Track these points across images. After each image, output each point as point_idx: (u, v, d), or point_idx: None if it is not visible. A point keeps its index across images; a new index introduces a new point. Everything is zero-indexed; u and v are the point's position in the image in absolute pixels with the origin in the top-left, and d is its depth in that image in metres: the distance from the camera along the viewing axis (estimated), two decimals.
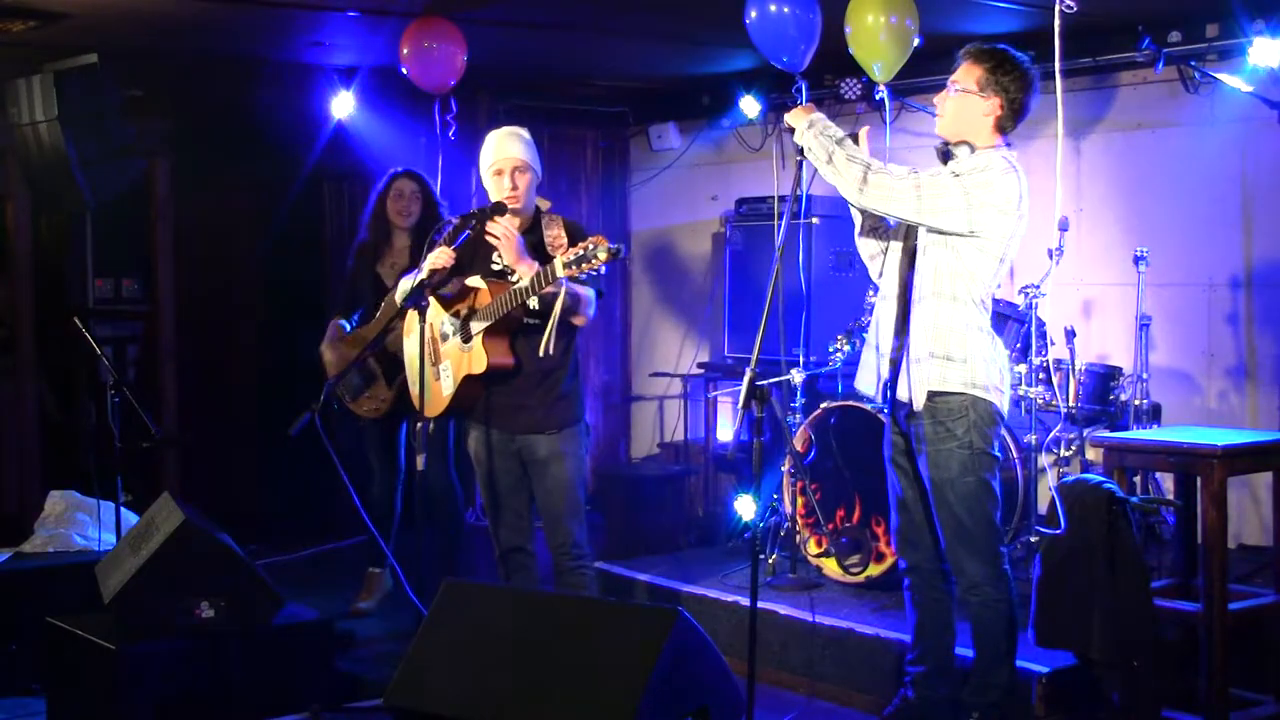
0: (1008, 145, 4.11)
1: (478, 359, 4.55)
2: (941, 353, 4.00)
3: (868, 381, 4.28)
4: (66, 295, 7.74)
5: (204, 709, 4.38)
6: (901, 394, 4.11)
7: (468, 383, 4.61)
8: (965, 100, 4.06)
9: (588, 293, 4.57)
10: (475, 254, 4.68)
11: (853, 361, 4.58)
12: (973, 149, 4.05)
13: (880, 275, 4.27)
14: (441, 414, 4.75)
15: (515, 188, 4.53)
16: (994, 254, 4.00)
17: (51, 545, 5.54)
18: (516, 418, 4.64)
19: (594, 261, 4.19)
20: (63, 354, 7.33)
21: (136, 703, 4.29)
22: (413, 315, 4.61)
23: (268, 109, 7.04)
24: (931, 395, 4.02)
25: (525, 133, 4.68)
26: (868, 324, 4.50)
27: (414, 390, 4.78)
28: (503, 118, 7.00)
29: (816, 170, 4.05)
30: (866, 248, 4.31)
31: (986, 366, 4.02)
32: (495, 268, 4.63)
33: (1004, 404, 4.09)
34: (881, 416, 4.40)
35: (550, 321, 4.41)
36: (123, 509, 5.42)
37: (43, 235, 7.38)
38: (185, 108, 7.23)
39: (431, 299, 4.65)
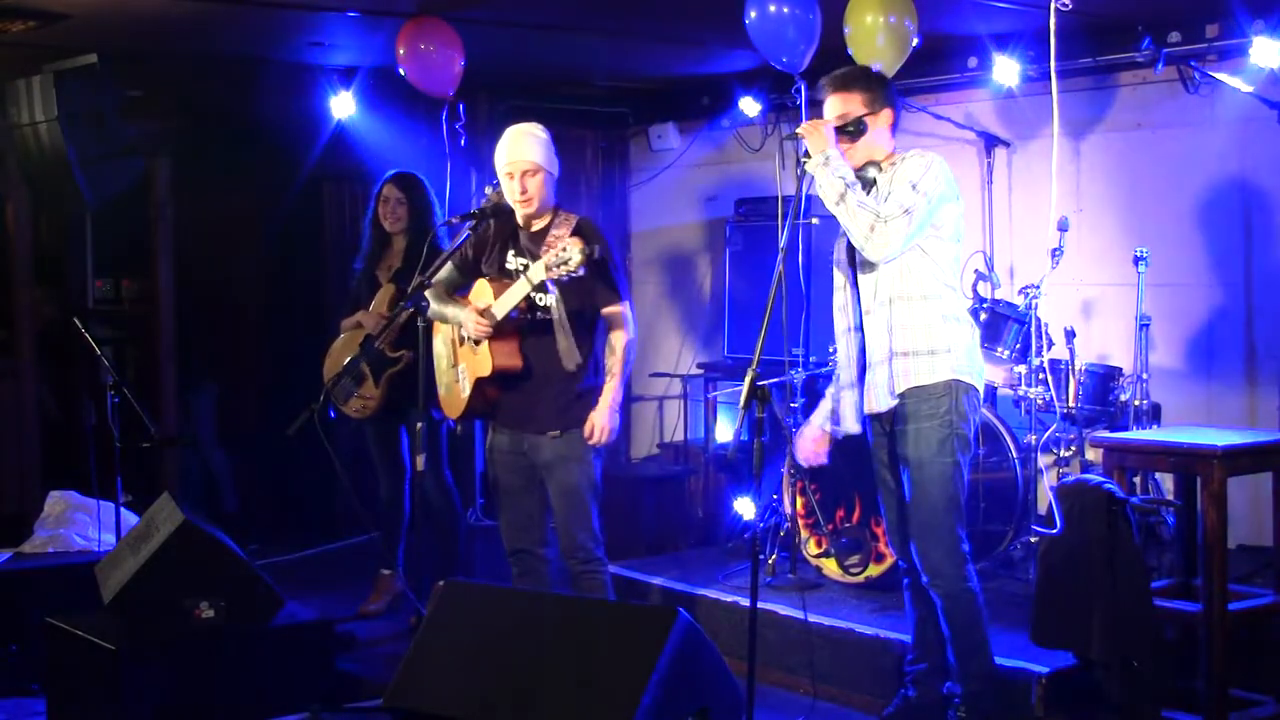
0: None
1: (483, 362, 4.54)
2: (925, 348, 4.08)
3: (851, 420, 4.29)
4: (66, 295, 7.74)
5: (204, 709, 4.38)
6: (881, 402, 4.16)
7: (480, 386, 4.59)
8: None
9: (617, 312, 4.57)
10: (485, 253, 4.68)
11: None
12: (879, 166, 4.16)
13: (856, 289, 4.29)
14: (461, 417, 4.74)
15: (525, 191, 4.53)
16: (951, 237, 4.13)
17: (51, 545, 5.53)
18: (526, 418, 4.61)
19: (570, 264, 4.22)
20: (63, 354, 7.33)
21: (136, 703, 4.28)
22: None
23: (268, 109, 7.03)
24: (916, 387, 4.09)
25: (538, 130, 4.61)
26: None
27: (440, 392, 4.80)
28: (502, 118, 6.98)
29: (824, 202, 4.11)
30: (841, 270, 4.33)
31: (968, 354, 4.15)
32: (509, 267, 4.61)
33: (982, 386, 4.20)
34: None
35: (557, 329, 4.45)
36: (123, 509, 5.43)
37: (43, 235, 7.38)
38: (185, 108, 7.23)
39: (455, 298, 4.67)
